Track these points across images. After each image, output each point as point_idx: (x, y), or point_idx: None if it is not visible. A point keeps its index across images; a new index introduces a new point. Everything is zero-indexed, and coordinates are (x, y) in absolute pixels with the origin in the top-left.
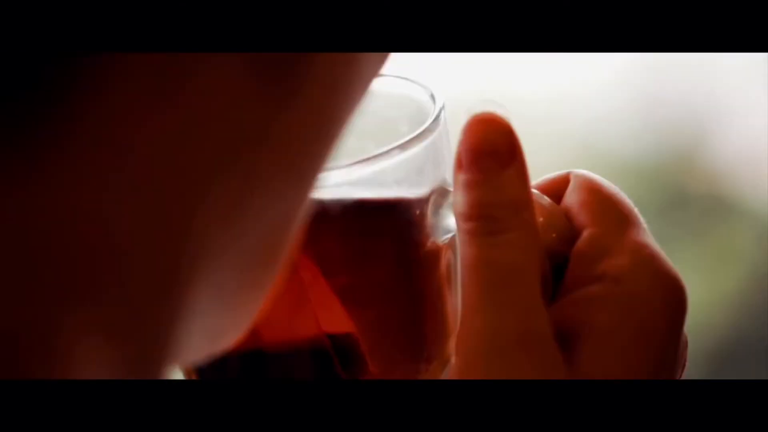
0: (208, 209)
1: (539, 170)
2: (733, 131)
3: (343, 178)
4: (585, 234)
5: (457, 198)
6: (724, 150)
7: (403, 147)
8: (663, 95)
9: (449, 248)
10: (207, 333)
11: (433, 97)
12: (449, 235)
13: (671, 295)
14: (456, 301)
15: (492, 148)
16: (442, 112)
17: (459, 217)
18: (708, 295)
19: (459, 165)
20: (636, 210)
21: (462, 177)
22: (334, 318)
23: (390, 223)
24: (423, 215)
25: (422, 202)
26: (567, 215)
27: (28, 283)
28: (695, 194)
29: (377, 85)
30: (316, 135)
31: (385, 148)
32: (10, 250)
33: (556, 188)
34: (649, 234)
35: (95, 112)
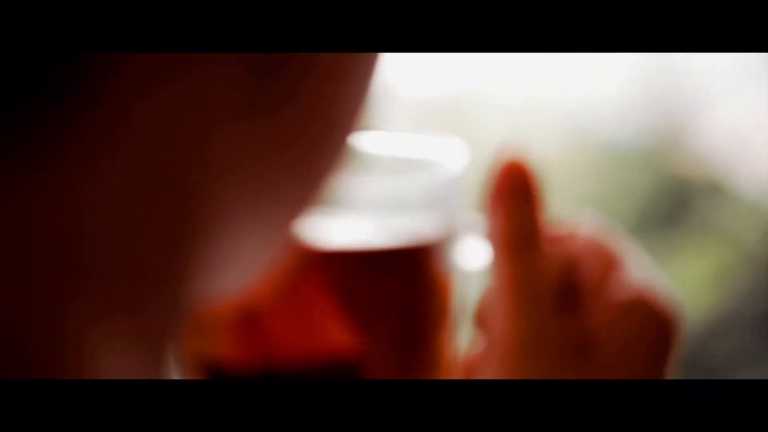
0: (208, 205)
1: (543, 161)
2: (723, 117)
3: (362, 193)
4: (588, 269)
5: (493, 226)
6: (714, 135)
7: (418, 170)
8: (658, 84)
9: (453, 287)
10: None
11: (452, 152)
12: (457, 272)
13: (661, 318)
14: (450, 337)
15: (521, 187)
16: (462, 162)
17: (496, 240)
18: (701, 273)
19: (495, 199)
20: (629, 252)
21: (497, 210)
22: (339, 334)
23: (405, 262)
24: (437, 253)
25: (437, 243)
26: (569, 257)
27: (33, 282)
28: (688, 177)
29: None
30: (319, 130)
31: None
32: (14, 249)
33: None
34: (639, 269)
35: (94, 111)
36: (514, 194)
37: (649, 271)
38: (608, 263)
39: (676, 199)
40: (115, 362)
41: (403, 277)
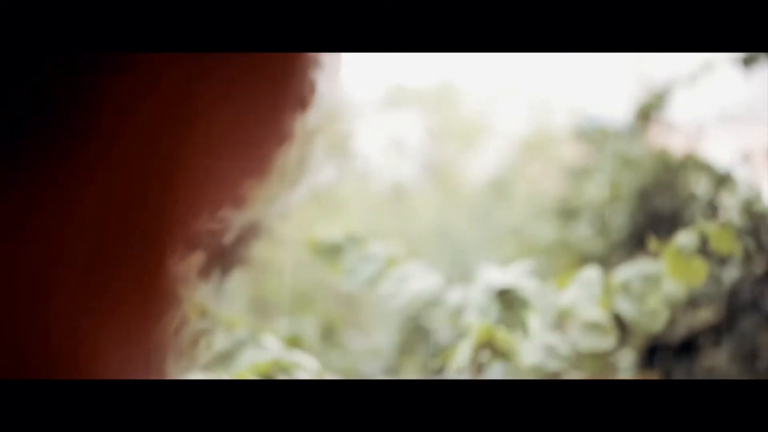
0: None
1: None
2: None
3: None
4: None
5: None
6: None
7: None
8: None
9: None
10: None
11: None
12: None
13: None
14: None
15: None
16: None
17: None
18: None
19: None
20: None
21: None
22: None
23: None
24: None
25: None
26: None
27: (50, 285)
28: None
29: None
30: (261, 124)
31: None
32: (17, 248)
33: None
34: None
35: (89, 111)
36: None
37: None
38: None
39: (657, 171)
40: (121, 361)
41: None
